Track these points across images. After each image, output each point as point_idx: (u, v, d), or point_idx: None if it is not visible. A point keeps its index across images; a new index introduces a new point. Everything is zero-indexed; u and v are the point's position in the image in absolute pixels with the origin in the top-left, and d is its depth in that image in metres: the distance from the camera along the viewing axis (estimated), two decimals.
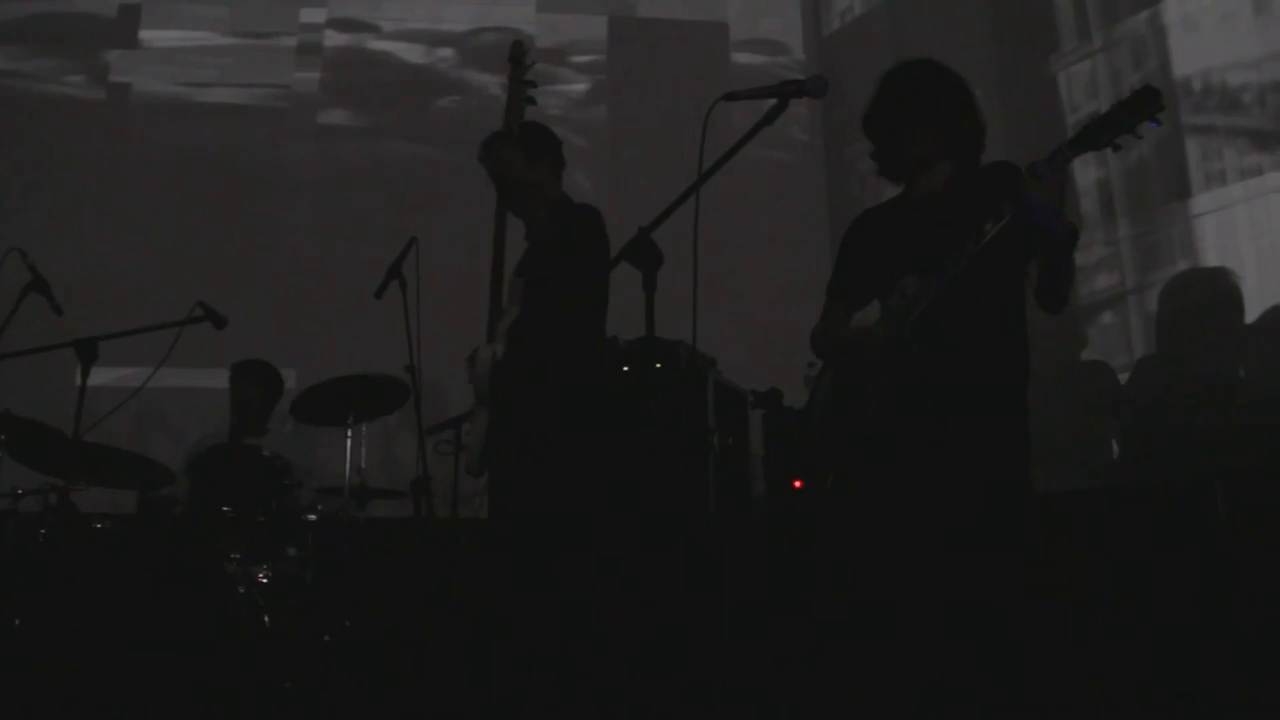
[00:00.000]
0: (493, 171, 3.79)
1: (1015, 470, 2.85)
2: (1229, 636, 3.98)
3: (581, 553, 3.51)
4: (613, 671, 3.51)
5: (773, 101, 2.68)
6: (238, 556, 4.49)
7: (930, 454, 2.82)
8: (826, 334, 3.17)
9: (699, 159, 2.59)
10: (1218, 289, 4.82)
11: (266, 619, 4.34)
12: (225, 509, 4.59)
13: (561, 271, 3.62)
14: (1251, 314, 4.73)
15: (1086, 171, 5.40)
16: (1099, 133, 2.65)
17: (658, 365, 4.65)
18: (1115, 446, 5.16)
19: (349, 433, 4.90)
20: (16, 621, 3.99)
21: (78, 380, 4.19)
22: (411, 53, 7.19)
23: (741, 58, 7.21)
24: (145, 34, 7.07)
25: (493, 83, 6.86)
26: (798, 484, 4.49)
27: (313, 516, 4.69)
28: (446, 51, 7.21)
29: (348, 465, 4.86)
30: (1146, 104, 2.59)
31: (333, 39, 7.20)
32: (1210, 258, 4.95)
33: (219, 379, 5.40)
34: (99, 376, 4.25)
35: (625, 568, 3.75)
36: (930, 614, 2.81)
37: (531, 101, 3.91)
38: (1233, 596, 4.06)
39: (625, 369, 4.51)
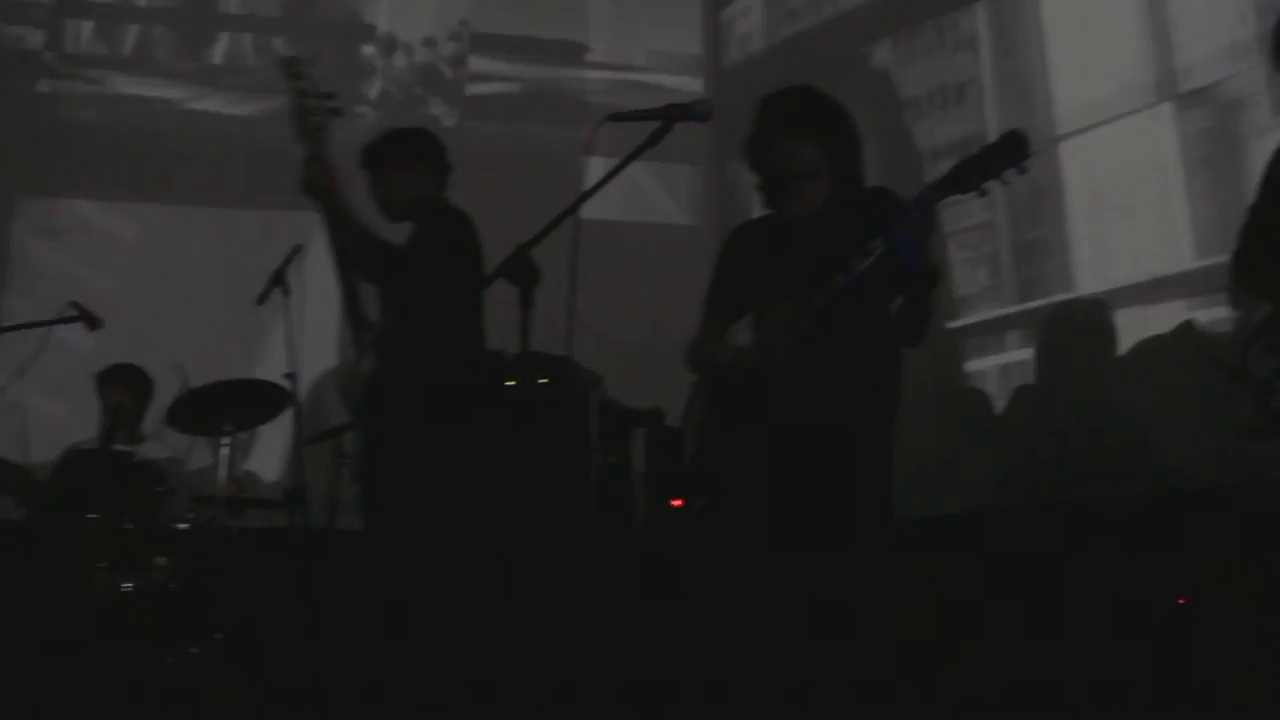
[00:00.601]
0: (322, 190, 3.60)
1: (878, 505, 2.92)
2: (1093, 656, 4.09)
3: (450, 565, 3.49)
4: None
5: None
6: (104, 565, 4.37)
7: (796, 481, 2.86)
8: (701, 350, 3.19)
9: (581, 178, 2.59)
10: (1091, 320, 4.95)
11: (133, 630, 4.23)
12: (91, 516, 4.47)
13: (425, 280, 3.56)
14: (1125, 345, 4.88)
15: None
16: (966, 176, 2.71)
17: (543, 381, 4.63)
18: (992, 472, 5.26)
19: (226, 440, 4.79)
20: None
21: None
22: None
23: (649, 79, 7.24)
24: None
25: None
26: (676, 503, 4.50)
27: (184, 525, 4.58)
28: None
29: (223, 473, 4.76)
30: (1013, 150, 2.66)
31: None
32: (1088, 287, 5.08)
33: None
34: None
35: (496, 587, 3.73)
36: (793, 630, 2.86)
37: (337, 112, 3.66)
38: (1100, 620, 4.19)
39: (509, 383, 4.47)
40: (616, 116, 2.65)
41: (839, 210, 3.00)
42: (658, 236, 6.84)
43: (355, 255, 3.61)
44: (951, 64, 5.78)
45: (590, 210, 2.72)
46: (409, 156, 3.75)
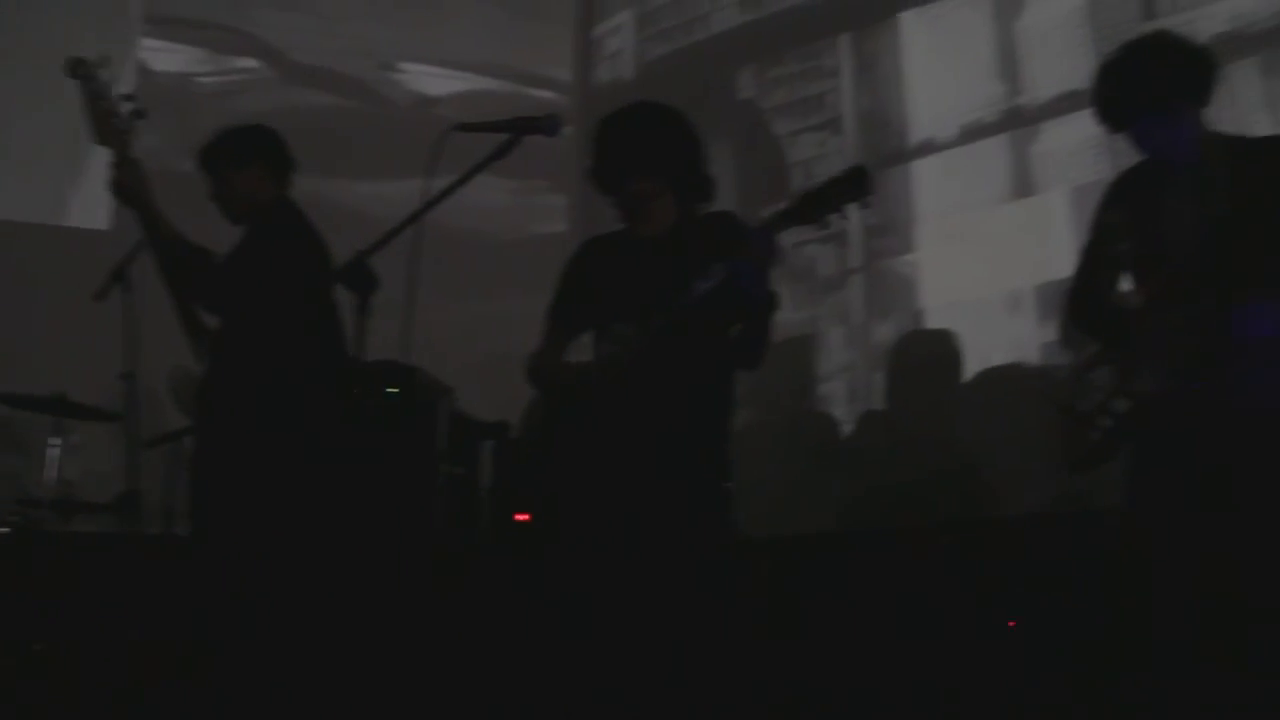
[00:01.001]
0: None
1: (714, 525, 2.95)
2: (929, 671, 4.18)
3: (280, 578, 3.42)
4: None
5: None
6: None
7: (631, 500, 2.87)
8: (541, 365, 3.18)
9: (426, 186, 2.56)
10: (939, 349, 5.07)
11: None
12: None
13: (247, 283, 3.49)
14: (968, 372, 5.00)
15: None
16: (808, 208, 2.73)
17: (391, 390, 4.55)
18: (837, 495, 5.34)
19: (55, 442, 4.62)
20: None
21: None
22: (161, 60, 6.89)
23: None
24: None
25: None
26: (521, 517, 4.47)
27: (4, 529, 4.39)
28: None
29: (52, 475, 4.59)
30: (856, 185, 2.69)
31: None
32: (933, 319, 5.21)
33: None
34: None
35: (328, 600, 3.67)
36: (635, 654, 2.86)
37: (140, 114, 3.53)
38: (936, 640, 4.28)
39: (357, 392, 4.39)
40: (464, 126, 2.62)
41: (685, 233, 3.01)
42: (525, 248, 6.79)
43: (162, 261, 3.53)
44: (815, 90, 5.88)
45: (455, 220, 2.68)
46: (245, 156, 3.63)
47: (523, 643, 4.00)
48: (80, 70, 3.48)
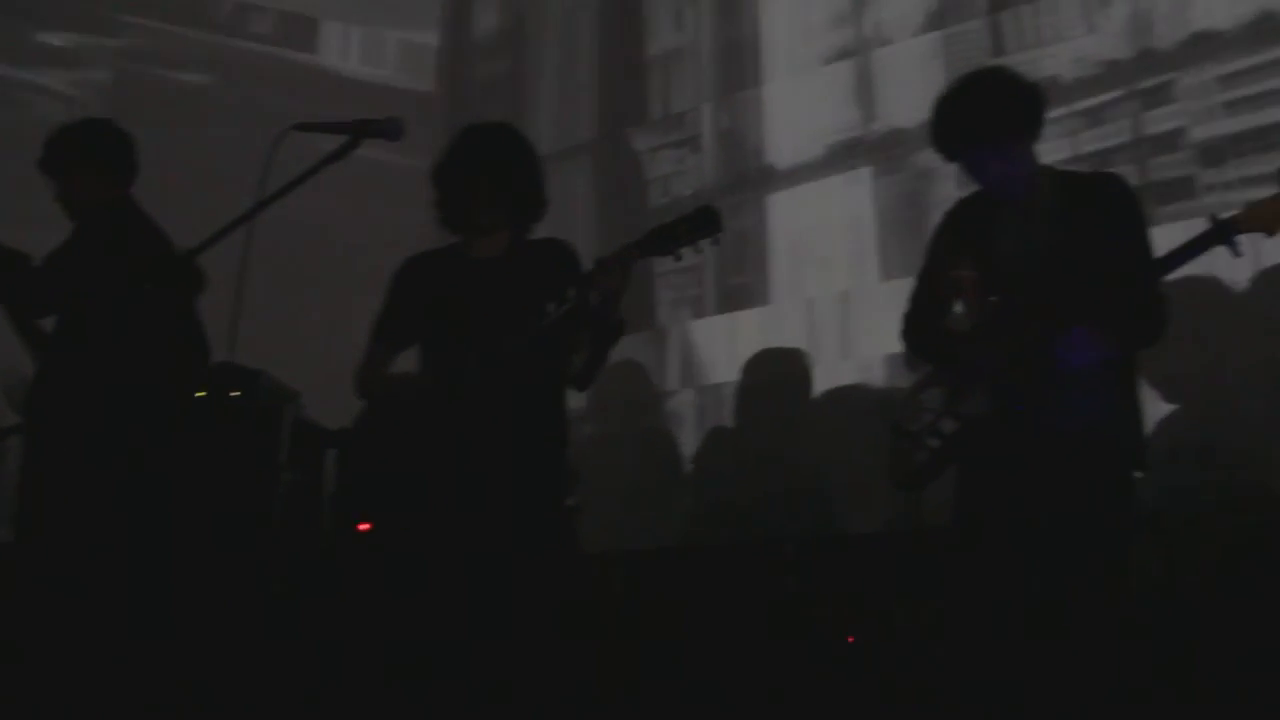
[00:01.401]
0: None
1: (554, 539, 3.00)
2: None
3: (114, 579, 3.37)
4: None
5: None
6: None
7: (469, 517, 2.90)
8: (368, 376, 3.17)
9: (259, 186, 2.52)
10: (785, 369, 5.15)
11: None
12: None
13: (65, 283, 3.41)
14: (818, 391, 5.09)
15: None
16: (662, 242, 2.79)
17: (234, 394, 4.45)
18: (685, 511, 5.38)
19: None
20: None
21: None
22: None
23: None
24: None
25: None
26: (363, 526, 4.40)
27: None
28: None
29: None
30: (706, 224, 2.76)
31: None
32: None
33: None
34: None
35: (162, 606, 3.58)
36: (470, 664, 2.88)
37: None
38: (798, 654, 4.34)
39: (200, 394, 4.28)
40: (303, 126, 2.59)
41: (521, 256, 3.06)
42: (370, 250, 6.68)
43: None
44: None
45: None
46: (82, 155, 3.55)
47: (362, 650, 3.97)
48: None
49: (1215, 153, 4.39)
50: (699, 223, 2.79)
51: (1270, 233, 2.68)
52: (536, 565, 2.92)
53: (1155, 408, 4.21)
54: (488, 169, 3.04)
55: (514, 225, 3.12)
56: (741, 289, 5.43)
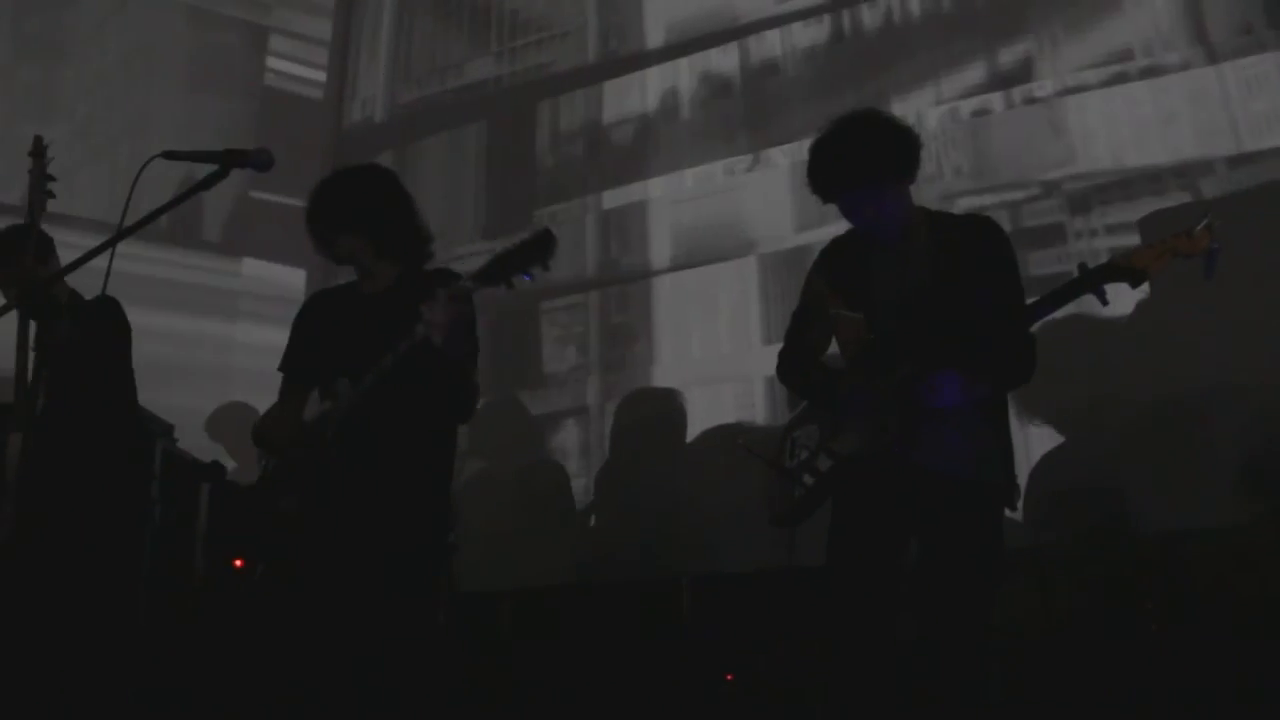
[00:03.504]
0: (11, 278, 3.62)
1: (424, 585, 2.97)
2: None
3: None
4: None
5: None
6: None
7: (345, 555, 2.89)
8: (262, 424, 3.20)
9: (122, 213, 2.46)
10: (666, 407, 5.17)
11: None
12: None
13: (96, 371, 3.74)
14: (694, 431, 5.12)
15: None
16: (498, 270, 2.69)
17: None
18: (570, 550, 5.36)
19: None
20: None
21: None
22: None
23: None
24: None
25: None
26: (238, 563, 4.32)
27: None
28: None
29: None
30: (541, 248, 2.65)
31: None
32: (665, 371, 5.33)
33: None
34: None
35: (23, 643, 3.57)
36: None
37: (52, 195, 3.41)
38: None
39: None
40: (171, 154, 2.54)
41: (405, 290, 3.03)
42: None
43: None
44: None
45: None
46: (46, 249, 3.80)
47: (234, 685, 3.90)
48: (39, 148, 3.34)
49: (1082, 201, 4.54)
50: (535, 247, 2.67)
51: (1134, 284, 2.75)
52: (403, 605, 2.90)
53: (1035, 445, 4.32)
54: (331, 219, 3.07)
55: (397, 259, 3.11)
56: (624, 326, 5.46)
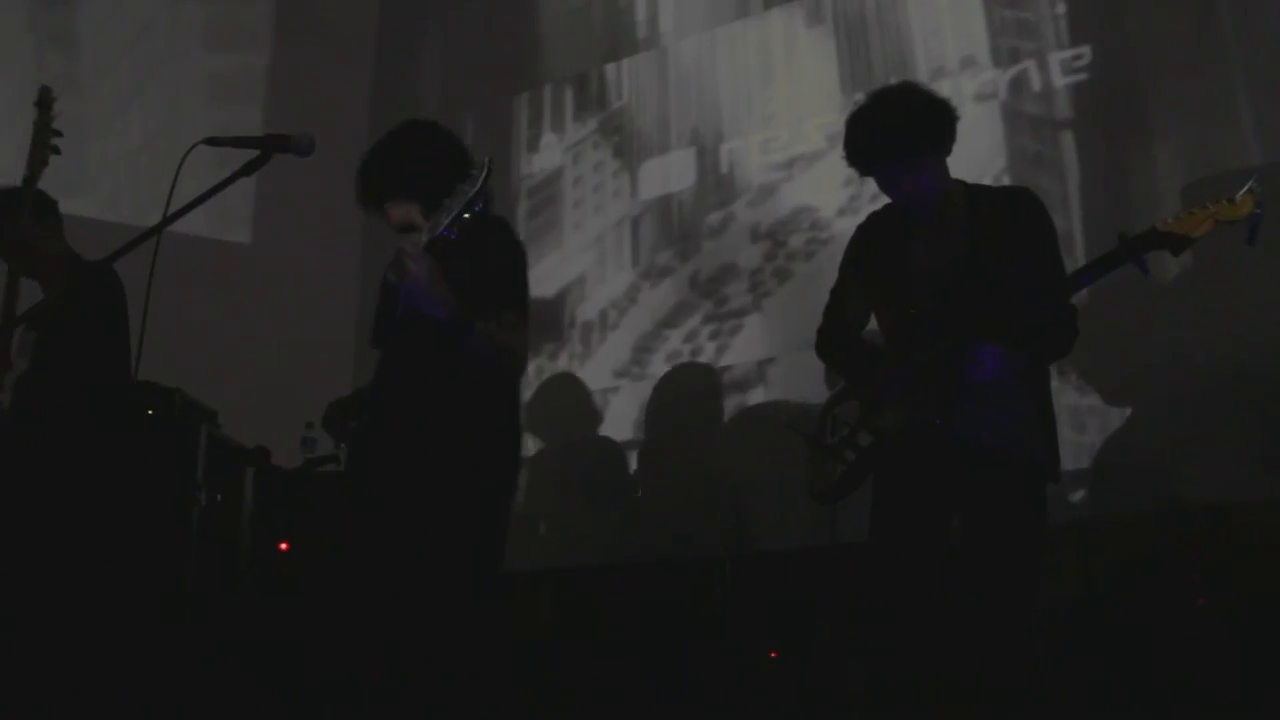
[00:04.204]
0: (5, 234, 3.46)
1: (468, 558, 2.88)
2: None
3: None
4: None
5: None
6: None
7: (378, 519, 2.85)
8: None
9: (166, 200, 2.48)
10: (707, 385, 5.18)
11: None
12: None
13: (76, 330, 3.56)
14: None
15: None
16: (445, 217, 2.60)
17: (150, 412, 4.37)
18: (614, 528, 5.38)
19: None
20: None
21: None
22: None
23: None
24: None
25: None
26: (284, 546, 4.35)
27: None
28: None
29: None
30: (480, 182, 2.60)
31: None
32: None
33: None
34: None
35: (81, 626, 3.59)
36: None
37: (56, 151, 3.29)
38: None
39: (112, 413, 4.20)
40: (213, 141, 2.55)
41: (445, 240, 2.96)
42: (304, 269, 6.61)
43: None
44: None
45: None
46: (43, 210, 3.65)
47: (282, 669, 3.93)
48: (46, 98, 3.19)
49: None
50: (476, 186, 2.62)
51: (1175, 252, 2.73)
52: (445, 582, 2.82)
53: (1077, 417, 4.30)
54: (387, 191, 3.00)
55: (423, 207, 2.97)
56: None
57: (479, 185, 2.58)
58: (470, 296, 2.75)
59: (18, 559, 3.39)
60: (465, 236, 2.70)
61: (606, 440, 5.40)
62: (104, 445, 3.77)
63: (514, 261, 2.92)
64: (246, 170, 2.55)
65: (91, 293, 3.63)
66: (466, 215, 2.57)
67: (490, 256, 2.88)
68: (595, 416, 5.53)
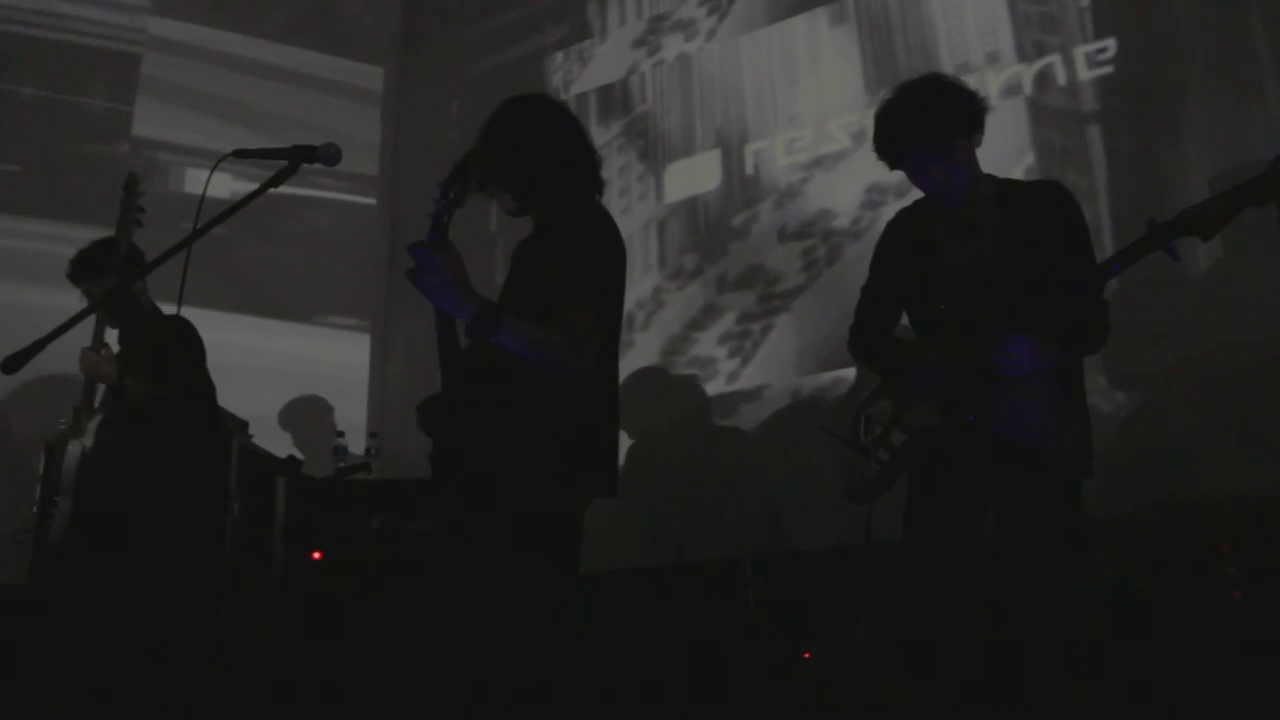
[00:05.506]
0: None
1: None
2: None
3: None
4: None
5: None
6: None
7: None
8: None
9: (196, 214, 2.49)
10: (738, 384, 5.15)
11: None
12: None
13: (169, 383, 3.94)
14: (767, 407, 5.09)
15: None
16: (440, 212, 2.56)
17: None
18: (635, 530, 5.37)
19: None
20: None
21: None
22: None
23: None
24: None
25: None
26: (317, 555, 4.36)
27: None
28: None
29: None
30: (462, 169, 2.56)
31: None
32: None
33: None
34: None
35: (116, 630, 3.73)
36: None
37: (140, 225, 3.95)
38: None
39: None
40: (242, 153, 2.57)
41: (539, 235, 2.92)
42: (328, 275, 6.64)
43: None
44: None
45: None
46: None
47: (321, 676, 3.94)
48: (132, 184, 3.94)
49: None
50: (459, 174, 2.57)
51: (1204, 237, 2.71)
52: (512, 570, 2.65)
53: (1112, 411, 4.27)
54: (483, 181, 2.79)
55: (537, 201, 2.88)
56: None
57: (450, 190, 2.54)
58: (540, 293, 2.68)
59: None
60: (554, 228, 2.75)
61: (635, 442, 5.39)
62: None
63: (589, 256, 2.73)
64: (275, 181, 2.56)
65: (169, 343, 3.99)
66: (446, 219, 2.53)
67: (564, 250, 2.72)
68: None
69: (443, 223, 2.52)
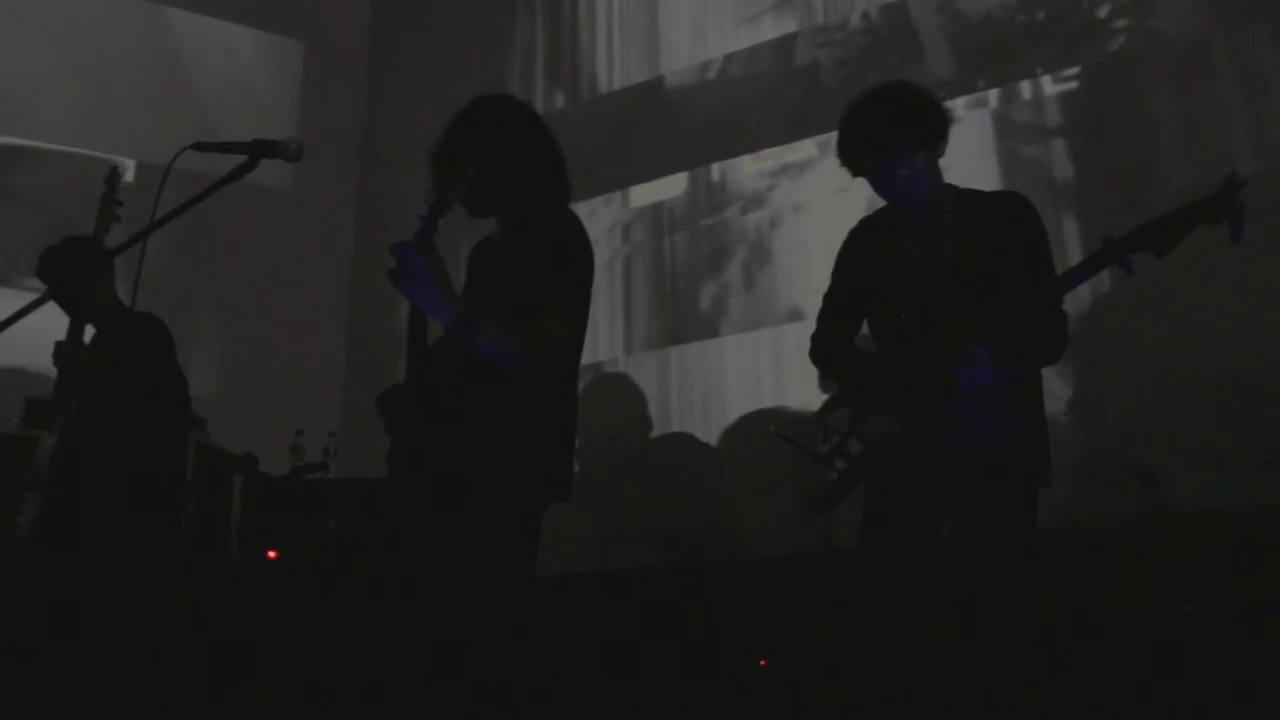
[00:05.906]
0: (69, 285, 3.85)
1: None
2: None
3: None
4: None
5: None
6: None
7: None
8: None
9: (154, 205, 2.45)
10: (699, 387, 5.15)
11: None
12: None
13: (141, 379, 3.93)
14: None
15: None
16: (426, 220, 2.49)
17: None
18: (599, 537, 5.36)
19: None
20: None
21: None
22: None
23: None
24: None
25: None
26: (272, 554, 4.33)
27: None
28: None
29: None
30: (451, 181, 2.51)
31: None
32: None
33: None
34: None
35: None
36: None
37: (118, 219, 3.87)
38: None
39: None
40: (201, 146, 2.52)
41: (497, 242, 2.94)
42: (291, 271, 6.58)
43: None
44: None
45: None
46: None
47: (274, 676, 3.91)
48: (113, 177, 3.91)
49: None
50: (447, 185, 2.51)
51: (1159, 254, 2.71)
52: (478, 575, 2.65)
53: (1068, 423, 4.29)
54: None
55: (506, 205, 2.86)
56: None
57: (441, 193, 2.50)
58: (512, 296, 2.68)
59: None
60: (527, 231, 2.74)
61: (596, 445, 5.38)
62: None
63: (564, 262, 2.73)
64: (234, 176, 2.52)
65: (138, 338, 4.01)
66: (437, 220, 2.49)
67: (539, 255, 2.71)
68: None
69: (433, 224, 2.50)
